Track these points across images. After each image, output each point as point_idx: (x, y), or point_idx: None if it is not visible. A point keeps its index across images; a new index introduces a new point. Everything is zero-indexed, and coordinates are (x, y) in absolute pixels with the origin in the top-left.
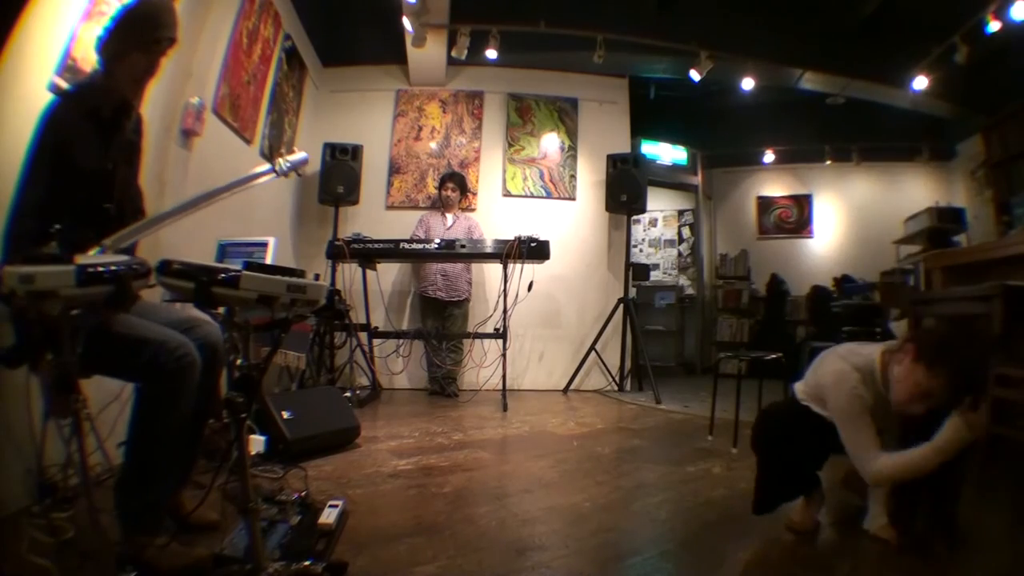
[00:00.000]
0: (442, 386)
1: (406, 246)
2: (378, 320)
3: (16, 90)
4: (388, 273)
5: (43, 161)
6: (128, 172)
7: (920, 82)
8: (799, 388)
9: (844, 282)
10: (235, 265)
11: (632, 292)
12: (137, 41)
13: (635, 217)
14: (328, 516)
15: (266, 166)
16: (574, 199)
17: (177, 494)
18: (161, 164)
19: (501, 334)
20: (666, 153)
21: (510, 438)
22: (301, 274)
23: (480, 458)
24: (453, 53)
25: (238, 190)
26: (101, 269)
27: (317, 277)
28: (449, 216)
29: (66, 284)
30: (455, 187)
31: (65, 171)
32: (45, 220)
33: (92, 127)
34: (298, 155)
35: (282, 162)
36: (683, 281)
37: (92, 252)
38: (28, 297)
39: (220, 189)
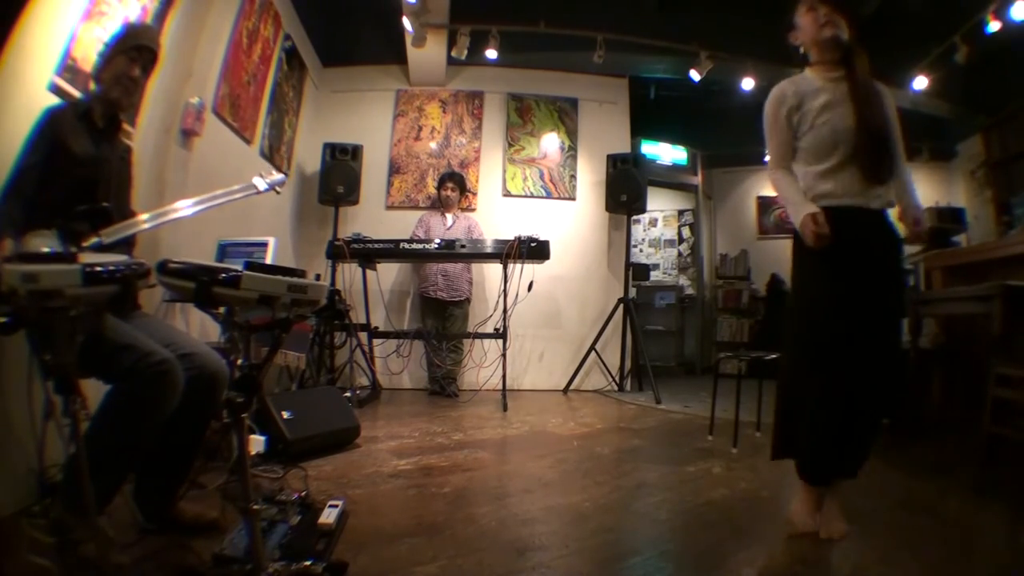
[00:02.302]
0: (442, 386)
1: (406, 246)
2: (378, 320)
3: (16, 90)
4: (388, 273)
5: (40, 140)
6: (122, 182)
7: (920, 82)
8: None
9: None
10: (235, 265)
11: (632, 292)
12: (120, 47)
13: (635, 217)
14: (328, 516)
15: (248, 183)
16: (574, 199)
17: (173, 498)
18: (161, 164)
19: (501, 334)
20: (666, 153)
21: (510, 438)
22: (302, 274)
23: (480, 458)
24: (453, 53)
25: (222, 202)
26: (101, 269)
27: (318, 277)
28: (449, 216)
29: (72, 284)
30: (454, 187)
31: (59, 151)
32: (39, 190)
33: (85, 127)
34: (276, 176)
35: (260, 182)
36: (683, 281)
37: (89, 241)
38: (30, 296)
39: (209, 198)
